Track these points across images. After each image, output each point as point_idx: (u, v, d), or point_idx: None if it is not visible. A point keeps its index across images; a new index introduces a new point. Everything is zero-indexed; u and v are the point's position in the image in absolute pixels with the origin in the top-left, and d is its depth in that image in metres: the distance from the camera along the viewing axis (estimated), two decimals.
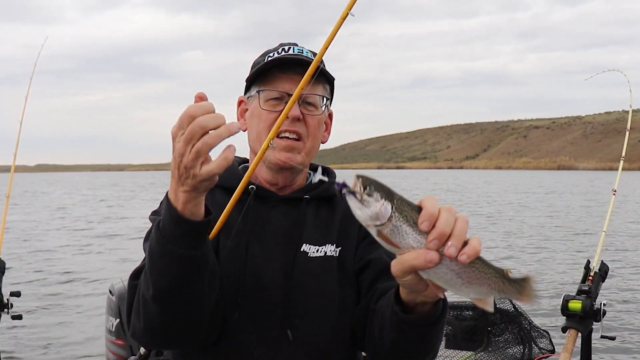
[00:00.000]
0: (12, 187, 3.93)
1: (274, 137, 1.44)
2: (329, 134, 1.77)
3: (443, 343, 3.29)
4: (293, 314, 1.55)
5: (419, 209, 1.06)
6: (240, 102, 1.75)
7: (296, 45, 1.68)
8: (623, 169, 3.65)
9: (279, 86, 1.62)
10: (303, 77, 1.54)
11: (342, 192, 1.09)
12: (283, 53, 1.64)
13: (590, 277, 2.97)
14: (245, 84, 1.73)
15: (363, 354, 1.78)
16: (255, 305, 1.54)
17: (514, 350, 3.27)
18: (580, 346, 2.95)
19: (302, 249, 1.60)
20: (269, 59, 1.64)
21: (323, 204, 1.69)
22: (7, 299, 3.26)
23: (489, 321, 3.31)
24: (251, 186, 1.62)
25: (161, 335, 1.43)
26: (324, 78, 1.67)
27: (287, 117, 1.57)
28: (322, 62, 1.64)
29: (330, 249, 1.62)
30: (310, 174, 1.75)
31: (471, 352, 3.28)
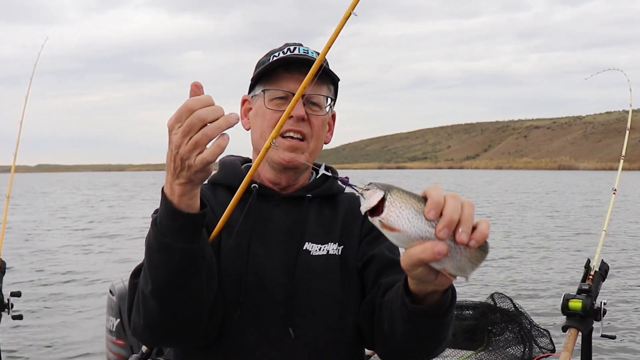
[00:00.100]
0: (13, 187, 3.93)
1: (276, 136, 1.45)
2: (331, 134, 1.77)
3: None
4: (295, 313, 1.55)
5: (424, 199, 1.06)
6: (244, 101, 1.75)
7: (301, 45, 1.69)
8: (623, 169, 3.65)
9: (284, 86, 1.62)
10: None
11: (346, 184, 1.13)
12: (288, 53, 1.64)
13: (591, 276, 2.97)
14: (249, 83, 1.73)
15: (366, 353, 1.78)
16: (257, 304, 1.55)
17: (515, 350, 3.27)
18: (580, 345, 2.95)
19: (304, 248, 1.60)
20: (274, 58, 1.65)
21: (325, 202, 1.69)
22: (8, 299, 3.26)
23: (490, 320, 3.31)
24: (253, 185, 1.62)
25: (161, 332, 1.43)
26: (329, 78, 1.67)
27: (292, 116, 1.58)
28: (326, 62, 1.65)
29: (332, 248, 1.62)
30: (312, 174, 1.75)
31: (472, 352, 3.28)
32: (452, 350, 3.31)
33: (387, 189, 1.07)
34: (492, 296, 3.41)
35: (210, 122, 1.15)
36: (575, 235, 17.52)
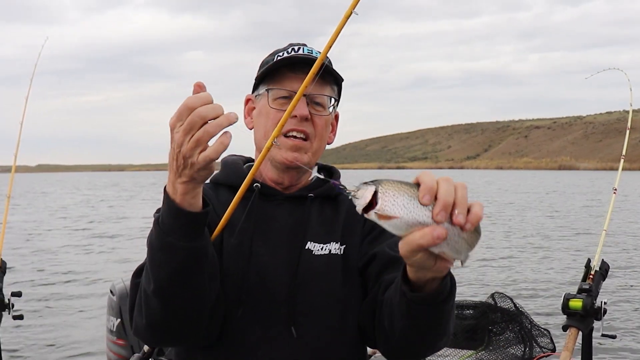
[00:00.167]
0: (13, 187, 3.93)
1: (278, 135, 1.45)
2: (334, 135, 1.77)
3: None
4: (297, 312, 1.55)
5: (416, 185, 1.08)
6: (247, 101, 1.75)
7: (305, 45, 1.69)
8: (623, 169, 3.65)
9: (287, 85, 1.62)
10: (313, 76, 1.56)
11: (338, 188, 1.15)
12: (293, 53, 1.64)
13: (591, 276, 2.97)
14: (253, 82, 1.73)
15: (370, 354, 1.77)
16: (259, 303, 1.55)
17: (515, 349, 3.27)
18: (580, 345, 2.95)
19: (306, 247, 1.60)
20: (279, 58, 1.65)
21: (327, 202, 1.69)
22: (9, 299, 3.26)
23: (490, 320, 3.31)
24: (256, 184, 1.63)
25: (163, 331, 1.44)
26: (332, 79, 1.67)
27: (295, 116, 1.58)
28: (330, 62, 1.66)
29: (334, 247, 1.62)
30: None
31: (472, 351, 3.29)
32: (453, 349, 3.31)
33: (377, 182, 1.09)
34: (492, 296, 3.41)
35: (211, 120, 1.16)
36: (575, 235, 17.52)
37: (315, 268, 1.58)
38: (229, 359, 1.55)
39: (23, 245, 16.06)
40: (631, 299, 9.46)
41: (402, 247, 1.09)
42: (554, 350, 3.28)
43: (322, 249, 1.61)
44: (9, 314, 3.28)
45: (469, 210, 1.06)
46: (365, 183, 1.10)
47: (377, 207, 1.07)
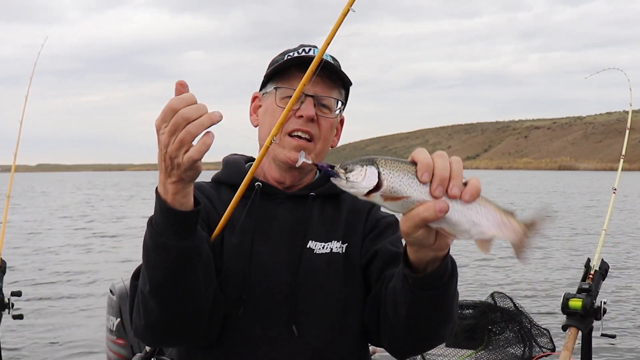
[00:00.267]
0: (13, 186, 3.93)
1: (279, 134, 1.45)
2: (338, 139, 1.78)
3: None
4: (298, 311, 1.55)
5: (412, 163, 1.09)
6: (254, 98, 1.76)
7: (316, 47, 1.69)
8: (623, 170, 3.66)
9: (296, 85, 1.62)
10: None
11: (327, 172, 1.14)
12: (303, 53, 1.65)
13: (591, 276, 2.97)
14: (261, 80, 1.73)
15: (372, 354, 1.77)
16: (260, 301, 1.55)
17: (515, 349, 3.28)
18: (580, 344, 2.95)
19: (308, 246, 1.60)
20: (289, 57, 1.65)
21: (329, 201, 1.70)
22: (8, 299, 3.26)
23: (490, 320, 3.32)
24: (257, 183, 1.63)
25: (162, 332, 1.44)
26: (341, 82, 1.68)
27: (302, 116, 1.59)
28: (339, 65, 1.67)
29: (336, 246, 1.62)
30: (316, 174, 1.75)
31: (472, 351, 3.29)
32: (453, 349, 3.32)
33: (373, 162, 1.09)
34: (492, 295, 3.42)
35: (194, 120, 1.17)
36: (575, 235, 17.53)
37: (316, 267, 1.58)
38: (229, 358, 1.55)
39: (23, 244, 16.06)
40: (631, 299, 9.47)
41: (404, 223, 1.11)
42: (553, 349, 3.28)
43: (323, 247, 1.61)
44: (9, 313, 3.28)
45: (466, 184, 1.08)
46: (359, 163, 1.10)
47: (383, 189, 1.08)
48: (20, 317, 3.37)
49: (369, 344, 1.70)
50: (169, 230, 1.28)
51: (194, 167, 1.21)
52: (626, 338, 7.44)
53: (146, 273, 1.35)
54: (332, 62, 1.65)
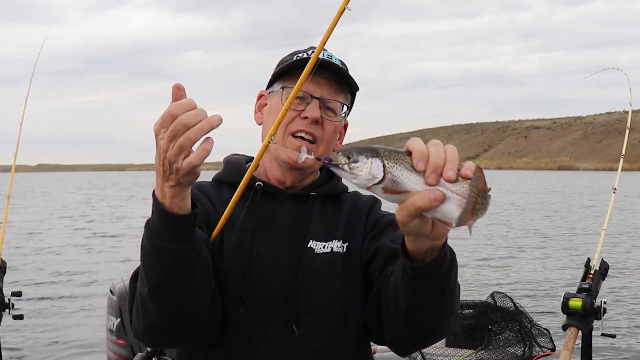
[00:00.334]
0: (13, 186, 3.93)
1: (275, 133, 1.46)
2: (341, 143, 1.77)
3: (443, 341, 3.30)
4: (299, 311, 1.55)
5: (409, 153, 1.10)
6: (260, 96, 1.76)
7: (325, 50, 1.68)
8: (623, 169, 3.66)
9: (303, 86, 1.63)
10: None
11: (329, 164, 1.13)
12: (312, 55, 1.65)
13: (591, 275, 2.97)
14: (262, 80, 1.75)
15: (378, 353, 1.76)
16: (261, 301, 1.55)
17: (515, 349, 3.27)
18: (580, 344, 2.95)
19: (308, 246, 1.60)
20: (297, 58, 1.66)
21: (329, 201, 1.70)
22: (9, 299, 3.26)
23: (490, 319, 3.32)
24: (258, 183, 1.63)
25: (161, 334, 1.44)
26: (348, 87, 1.68)
27: (306, 117, 1.59)
28: (347, 70, 1.67)
29: (336, 245, 1.62)
30: (318, 174, 1.75)
31: (472, 351, 3.29)
32: (453, 349, 3.32)
33: (377, 154, 1.09)
34: (492, 295, 3.42)
35: (194, 126, 1.17)
36: (575, 235, 17.53)
37: (316, 267, 1.58)
38: (229, 358, 1.55)
39: (23, 244, 16.07)
40: (631, 299, 9.48)
41: (400, 213, 1.11)
42: (553, 349, 3.28)
43: (324, 247, 1.61)
44: (9, 313, 3.28)
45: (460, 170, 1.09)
46: (364, 154, 1.10)
47: (385, 182, 1.08)
48: (20, 317, 3.37)
49: (372, 343, 1.70)
50: (166, 233, 1.28)
51: (193, 172, 1.22)
52: (626, 338, 7.44)
53: (144, 276, 1.35)
54: (341, 66, 1.65)
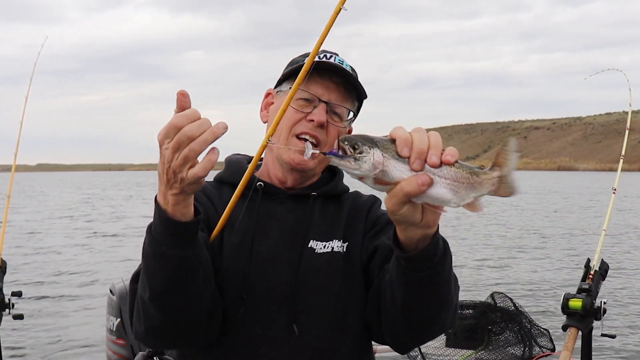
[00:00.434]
0: (13, 186, 3.93)
1: (273, 134, 1.46)
2: None
3: (443, 341, 3.30)
4: (299, 310, 1.55)
5: (393, 140, 1.11)
6: (267, 94, 1.76)
7: (337, 55, 1.69)
8: (623, 170, 3.66)
9: (312, 89, 1.63)
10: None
11: (334, 156, 1.14)
12: (324, 59, 1.65)
13: (591, 276, 2.98)
14: (278, 78, 1.74)
15: (377, 353, 1.75)
16: (261, 301, 1.55)
17: (515, 349, 3.27)
18: (580, 344, 2.95)
19: (309, 245, 1.60)
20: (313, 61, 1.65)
21: (330, 201, 1.70)
22: (9, 299, 3.26)
23: (490, 320, 3.32)
24: (259, 183, 1.64)
25: (162, 336, 1.45)
26: (356, 94, 1.69)
27: (312, 120, 1.60)
28: (357, 76, 1.67)
29: (337, 245, 1.62)
30: (321, 174, 1.75)
31: (472, 351, 3.29)
32: (452, 349, 3.32)
33: (376, 145, 1.11)
34: (492, 295, 3.42)
35: (198, 138, 1.17)
36: (574, 235, 17.54)
37: (317, 266, 1.58)
38: (230, 358, 1.55)
39: (23, 244, 16.07)
40: (631, 299, 9.48)
41: (389, 201, 1.12)
42: (553, 350, 3.28)
43: (324, 247, 1.61)
44: (9, 313, 3.28)
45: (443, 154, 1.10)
46: (366, 145, 1.11)
47: (377, 172, 1.10)
48: (20, 317, 3.37)
49: (372, 342, 1.70)
50: (168, 239, 1.29)
51: (198, 182, 1.22)
52: (626, 338, 7.45)
53: (146, 280, 1.35)
54: (351, 72, 1.66)
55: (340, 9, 1.40)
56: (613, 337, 3.08)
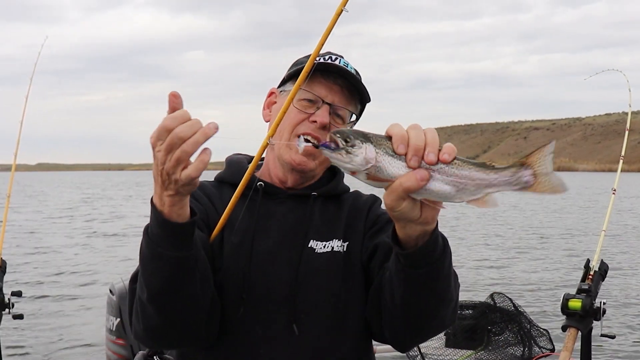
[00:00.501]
0: (13, 186, 3.93)
1: (273, 134, 1.46)
2: None
3: (443, 342, 3.31)
4: (299, 310, 1.55)
5: (390, 137, 1.11)
6: (270, 93, 1.76)
7: (342, 57, 1.69)
8: (622, 171, 3.66)
9: (317, 90, 1.63)
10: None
11: (326, 148, 1.13)
12: (330, 61, 1.65)
13: (590, 276, 2.98)
14: (282, 78, 1.74)
15: (377, 353, 1.75)
16: (261, 301, 1.55)
17: (514, 349, 3.28)
18: (580, 345, 2.95)
19: (309, 245, 1.60)
20: (315, 62, 1.65)
21: (330, 201, 1.70)
22: (9, 299, 3.26)
23: (489, 320, 3.32)
24: (259, 183, 1.64)
25: (160, 336, 1.45)
26: (359, 97, 1.69)
27: (315, 121, 1.60)
28: (359, 76, 1.68)
29: (337, 244, 1.62)
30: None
31: (471, 351, 3.29)
32: (452, 349, 3.32)
33: (369, 140, 1.11)
34: (491, 296, 3.42)
35: (189, 139, 1.18)
36: (574, 236, 17.54)
37: (317, 266, 1.58)
38: (230, 357, 1.55)
39: (23, 244, 16.06)
40: (630, 299, 9.48)
41: (388, 197, 1.12)
42: (553, 350, 3.29)
43: (324, 246, 1.61)
44: (9, 313, 3.28)
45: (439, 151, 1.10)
46: (359, 139, 1.11)
47: (370, 167, 1.10)
48: (20, 317, 3.37)
49: (373, 342, 1.70)
50: (165, 240, 1.29)
51: (192, 183, 1.22)
52: (626, 338, 7.45)
53: (143, 281, 1.35)
54: (356, 75, 1.66)
55: (342, 10, 1.40)
56: (612, 337, 3.09)
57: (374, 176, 1.10)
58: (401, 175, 1.09)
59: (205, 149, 1.20)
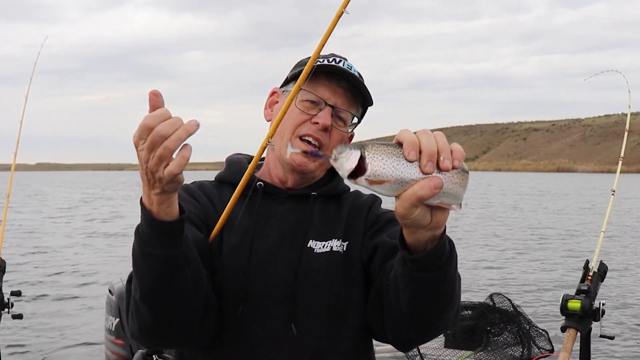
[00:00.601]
0: (13, 185, 3.93)
1: (273, 135, 1.46)
2: None
3: (442, 342, 3.31)
4: (298, 310, 1.55)
5: (398, 144, 1.11)
6: (273, 93, 1.76)
7: (346, 59, 1.70)
8: (621, 172, 3.66)
9: (320, 92, 1.63)
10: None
11: (314, 155, 1.17)
12: (333, 63, 1.65)
13: (589, 277, 2.98)
14: (284, 77, 1.74)
15: (377, 354, 1.75)
16: (260, 301, 1.55)
17: (513, 350, 3.27)
18: (579, 345, 2.95)
19: (308, 245, 1.60)
20: (318, 63, 1.64)
21: (330, 201, 1.70)
22: (8, 299, 3.26)
23: (489, 321, 3.32)
24: (259, 183, 1.64)
25: (155, 335, 1.45)
26: (362, 100, 1.69)
27: (317, 123, 1.60)
28: (362, 78, 1.68)
29: (336, 244, 1.62)
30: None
31: (470, 352, 3.29)
32: (451, 350, 3.32)
33: (361, 146, 1.10)
34: (491, 296, 3.42)
35: (171, 136, 1.18)
36: (573, 236, 17.56)
37: (316, 266, 1.58)
38: (229, 357, 1.55)
39: (23, 244, 16.07)
40: (629, 300, 9.49)
41: (401, 205, 1.11)
42: (552, 351, 3.28)
43: (323, 246, 1.61)
44: (8, 313, 3.28)
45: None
46: (350, 147, 1.11)
47: (368, 172, 1.09)
48: (19, 316, 3.37)
49: (373, 342, 1.70)
50: (154, 239, 1.30)
51: (175, 179, 1.23)
52: (625, 339, 7.46)
53: (136, 280, 1.36)
54: (359, 78, 1.66)
55: (342, 12, 1.41)
56: (612, 338, 3.09)
57: (375, 180, 1.09)
58: (413, 181, 1.09)
59: (186, 144, 1.20)
